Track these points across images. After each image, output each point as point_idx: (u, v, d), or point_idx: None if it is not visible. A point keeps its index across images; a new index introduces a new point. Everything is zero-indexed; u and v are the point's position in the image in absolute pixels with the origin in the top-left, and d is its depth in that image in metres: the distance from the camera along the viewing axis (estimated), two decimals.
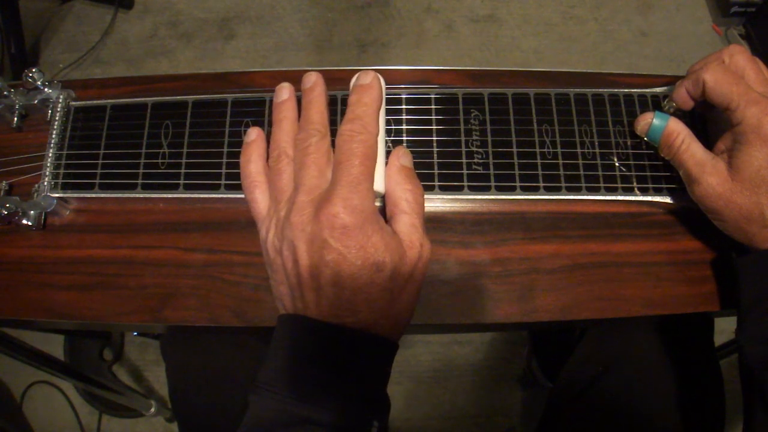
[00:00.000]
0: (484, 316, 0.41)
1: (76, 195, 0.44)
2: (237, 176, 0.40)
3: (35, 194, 0.44)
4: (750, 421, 0.39)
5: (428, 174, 0.42)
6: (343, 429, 0.32)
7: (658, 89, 0.44)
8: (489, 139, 0.43)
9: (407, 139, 0.43)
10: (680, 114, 0.42)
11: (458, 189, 0.42)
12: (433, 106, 0.44)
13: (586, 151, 0.43)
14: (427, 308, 0.41)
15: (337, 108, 0.43)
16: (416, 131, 0.43)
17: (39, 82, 0.44)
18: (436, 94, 0.44)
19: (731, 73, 0.38)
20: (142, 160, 0.43)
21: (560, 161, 0.43)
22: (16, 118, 0.46)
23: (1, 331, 0.68)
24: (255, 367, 0.46)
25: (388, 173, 0.38)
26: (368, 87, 0.37)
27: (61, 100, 0.45)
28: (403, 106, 0.43)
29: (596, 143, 0.43)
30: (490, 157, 0.43)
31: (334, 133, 0.36)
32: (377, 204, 0.37)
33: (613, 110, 0.44)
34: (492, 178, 0.42)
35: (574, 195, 0.42)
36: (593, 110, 0.44)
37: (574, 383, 0.56)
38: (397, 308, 0.35)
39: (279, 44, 1.34)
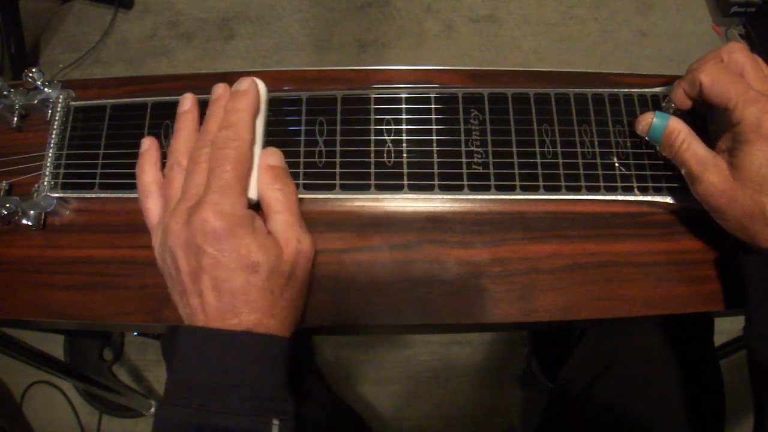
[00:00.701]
0: (484, 316, 0.41)
1: (76, 195, 0.44)
2: None
3: (35, 194, 0.44)
4: (762, 419, 0.39)
5: (428, 174, 0.42)
6: (240, 431, 0.32)
7: (658, 89, 0.44)
8: (489, 139, 0.43)
9: (407, 139, 0.43)
10: (680, 113, 0.42)
11: (458, 189, 0.42)
12: (433, 106, 0.44)
13: (586, 150, 0.43)
14: (427, 308, 0.41)
15: (337, 108, 0.43)
16: (416, 131, 0.43)
17: (39, 82, 0.44)
18: (436, 94, 0.44)
19: (728, 72, 0.38)
20: None
21: (560, 161, 0.43)
22: (16, 118, 0.46)
23: (1, 331, 0.68)
24: None
25: (258, 176, 0.38)
26: (243, 93, 0.38)
27: (61, 100, 0.45)
28: (403, 106, 0.43)
29: (596, 143, 0.43)
30: (490, 157, 0.43)
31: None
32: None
33: (613, 110, 0.44)
34: (492, 177, 0.42)
35: (574, 195, 0.42)
36: (593, 110, 0.44)
37: (574, 383, 0.56)
38: (282, 305, 0.36)
39: (279, 44, 1.34)
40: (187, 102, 0.41)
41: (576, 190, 0.42)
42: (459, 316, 0.41)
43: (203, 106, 0.41)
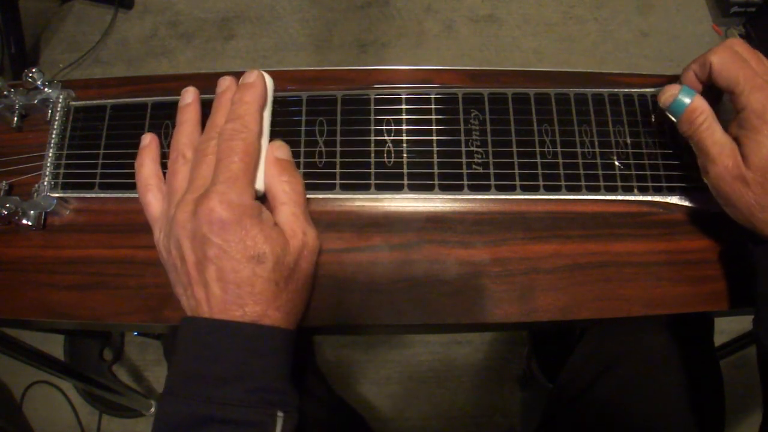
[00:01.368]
0: (484, 316, 0.41)
1: (76, 195, 0.44)
2: None
3: (35, 194, 0.44)
4: None
5: (428, 174, 0.42)
6: (245, 423, 0.32)
7: (658, 89, 0.44)
8: (489, 138, 0.43)
9: (407, 139, 0.43)
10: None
11: (458, 189, 0.42)
12: (433, 106, 0.44)
13: (586, 150, 0.43)
14: (427, 308, 0.41)
15: (337, 108, 0.43)
16: (416, 131, 0.43)
17: (39, 82, 0.44)
18: (436, 94, 0.44)
19: (738, 57, 0.38)
20: None
21: (560, 161, 0.43)
22: (16, 118, 0.46)
23: (1, 331, 0.68)
24: None
25: (265, 168, 0.38)
26: (251, 86, 0.38)
27: (61, 100, 0.45)
28: (403, 106, 0.43)
29: (596, 143, 0.43)
30: (490, 156, 0.43)
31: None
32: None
33: (613, 110, 0.44)
34: (492, 177, 0.42)
35: (574, 195, 0.42)
36: (593, 110, 0.44)
37: (574, 383, 0.56)
38: (286, 297, 0.36)
39: (279, 44, 1.34)
40: (189, 95, 0.41)
41: (576, 190, 0.42)
42: (459, 316, 0.41)
43: (204, 106, 0.41)
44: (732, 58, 0.38)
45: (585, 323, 0.57)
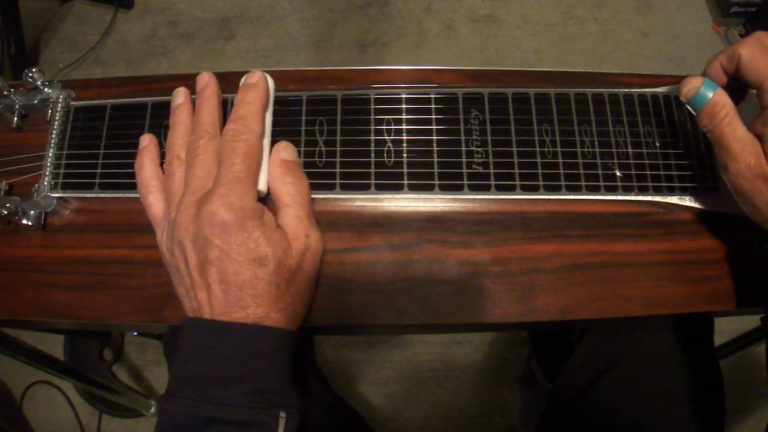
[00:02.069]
0: (483, 316, 0.41)
1: (75, 195, 0.44)
2: None
3: (35, 194, 0.44)
4: None
5: (428, 174, 0.42)
6: (248, 424, 0.32)
7: (658, 89, 0.44)
8: (489, 138, 0.43)
9: (407, 139, 0.43)
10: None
11: (458, 189, 0.42)
12: (433, 106, 0.44)
13: (586, 150, 0.43)
14: (427, 308, 0.41)
15: (337, 108, 0.43)
16: (416, 131, 0.43)
17: (39, 82, 0.44)
18: (436, 94, 0.44)
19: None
20: None
21: (560, 161, 0.43)
22: (16, 118, 0.45)
23: (1, 331, 0.68)
24: None
25: (269, 169, 0.38)
26: (253, 86, 0.38)
27: (61, 100, 0.45)
28: (403, 106, 0.43)
29: (596, 143, 0.43)
30: (490, 156, 0.43)
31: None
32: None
33: (613, 110, 0.44)
34: (492, 177, 0.42)
35: (574, 195, 0.42)
36: (593, 110, 0.44)
37: (574, 383, 0.56)
38: (288, 300, 0.36)
39: (279, 44, 1.34)
40: (181, 96, 0.41)
41: (576, 189, 0.42)
42: (459, 316, 0.41)
43: None
44: (762, 52, 0.37)
45: (585, 323, 0.57)
